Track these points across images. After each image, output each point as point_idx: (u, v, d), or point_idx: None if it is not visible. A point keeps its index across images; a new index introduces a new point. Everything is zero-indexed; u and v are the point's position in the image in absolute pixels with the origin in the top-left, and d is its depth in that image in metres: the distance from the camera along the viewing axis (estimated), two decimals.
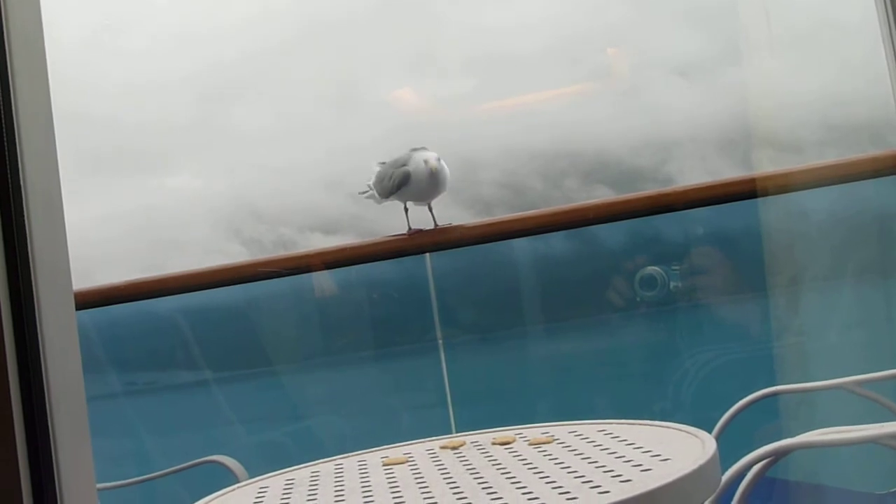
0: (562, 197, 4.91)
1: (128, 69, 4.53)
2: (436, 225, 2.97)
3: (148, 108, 4.65)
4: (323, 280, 3.40)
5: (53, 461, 1.17)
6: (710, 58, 4.56)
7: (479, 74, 4.86)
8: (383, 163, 3.01)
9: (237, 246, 4.84)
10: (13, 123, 1.16)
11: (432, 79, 4.79)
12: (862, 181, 2.76)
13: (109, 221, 4.31)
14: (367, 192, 3.05)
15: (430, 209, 2.97)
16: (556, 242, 3.57)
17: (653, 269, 3.36)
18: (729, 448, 1.84)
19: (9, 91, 1.15)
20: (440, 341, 3.31)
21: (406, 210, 2.99)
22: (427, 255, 3.22)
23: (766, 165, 3.13)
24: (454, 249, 3.07)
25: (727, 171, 4.31)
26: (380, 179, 2.98)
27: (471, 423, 3.22)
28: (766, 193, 2.76)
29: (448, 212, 2.99)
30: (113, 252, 4.18)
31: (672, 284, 3.35)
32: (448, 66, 4.87)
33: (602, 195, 4.57)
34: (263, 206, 4.92)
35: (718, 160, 4.46)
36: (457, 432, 2.97)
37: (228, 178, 4.96)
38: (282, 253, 3.19)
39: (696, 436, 1.47)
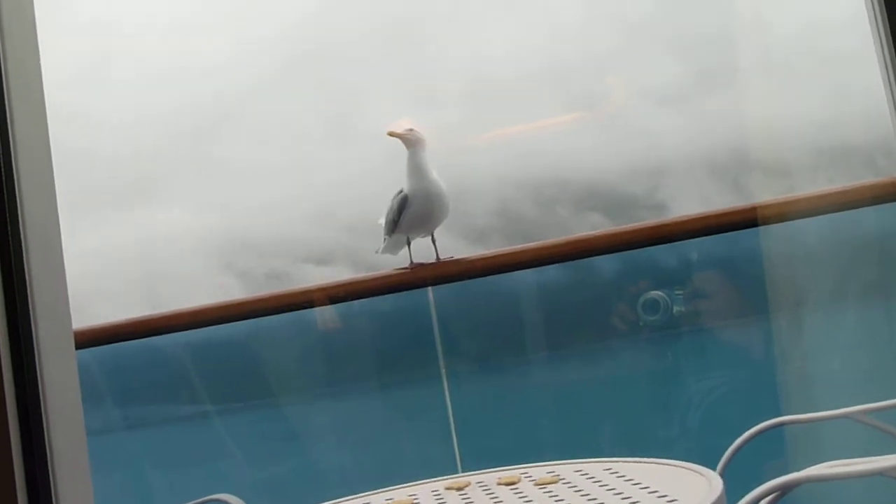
0: (556, 225, 4.93)
1: (118, 102, 4.55)
2: (438, 258, 2.98)
3: (138, 142, 4.68)
4: (326, 314, 3.40)
5: (53, 497, 1.17)
6: (698, 85, 4.59)
7: (468, 104, 4.88)
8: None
9: (231, 279, 4.84)
10: (11, 162, 1.16)
11: (422, 109, 4.81)
12: (863, 208, 2.77)
13: (101, 255, 4.31)
14: (380, 247, 3.06)
15: (433, 241, 2.98)
16: (558, 271, 3.57)
17: (655, 294, 3.36)
18: (735, 479, 1.84)
19: (7, 130, 1.16)
20: (443, 371, 3.30)
21: (409, 243, 3.00)
22: (429, 288, 3.22)
23: (757, 190, 3.14)
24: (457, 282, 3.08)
25: (719, 197, 4.33)
26: (386, 218, 2.99)
27: (476, 453, 3.21)
28: (767, 222, 2.77)
29: (442, 241, 3.00)
30: (105, 286, 4.18)
31: (675, 309, 3.35)
32: (438, 97, 4.89)
33: (596, 222, 4.59)
34: (256, 239, 4.93)
35: (710, 186, 4.48)
36: (462, 464, 2.96)
37: (220, 210, 4.97)
38: (277, 284, 3.20)
39: (701, 474, 1.46)
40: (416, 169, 2.90)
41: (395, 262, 3.08)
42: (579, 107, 4.73)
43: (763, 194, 3.04)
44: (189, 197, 5.06)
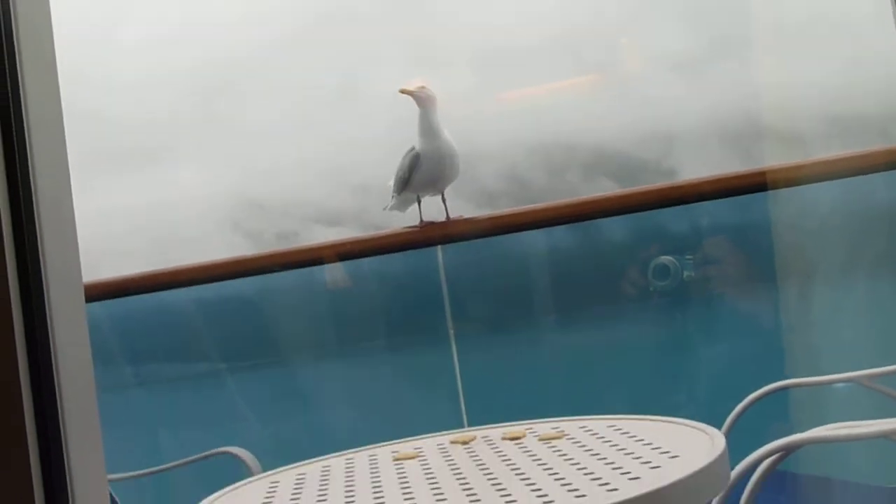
0: (566, 190, 4.92)
1: (127, 63, 4.55)
2: (448, 217, 2.98)
3: (147, 103, 4.67)
4: (335, 272, 3.41)
5: (64, 452, 1.18)
6: (710, 52, 4.55)
7: (477, 68, 4.86)
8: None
9: (240, 239, 4.86)
10: (22, 113, 1.17)
11: (432, 73, 4.79)
12: (877, 174, 2.75)
13: (107, 216, 4.33)
14: (389, 204, 3.06)
15: (444, 199, 2.97)
16: (568, 235, 3.57)
17: (666, 259, 3.35)
18: (740, 440, 1.85)
19: (18, 81, 1.16)
20: (451, 332, 3.32)
21: (419, 201, 2.99)
22: (438, 247, 3.23)
23: (767, 158, 3.12)
24: (465, 242, 3.08)
25: (729, 164, 4.31)
26: (396, 176, 2.98)
27: (483, 414, 3.23)
28: (777, 186, 2.75)
29: (451, 204, 3.00)
30: (112, 247, 4.20)
31: (685, 274, 3.35)
32: (448, 60, 4.87)
33: (605, 187, 4.58)
34: (265, 200, 4.94)
35: (720, 153, 4.46)
36: (469, 424, 2.98)
37: (230, 171, 4.98)
38: (286, 245, 3.21)
39: (705, 432, 1.47)
40: (429, 128, 2.89)
41: (403, 222, 3.08)
42: (589, 72, 4.70)
43: (773, 162, 3.02)
44: (198, 158, 5.07)
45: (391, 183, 3.02)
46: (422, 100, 2.88)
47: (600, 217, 3.06)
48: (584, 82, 4.55)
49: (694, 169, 4.65)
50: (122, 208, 4.52)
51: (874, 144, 2.86)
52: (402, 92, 2.87)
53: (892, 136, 3.06)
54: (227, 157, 4.97)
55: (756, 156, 4.06)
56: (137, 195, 4.69)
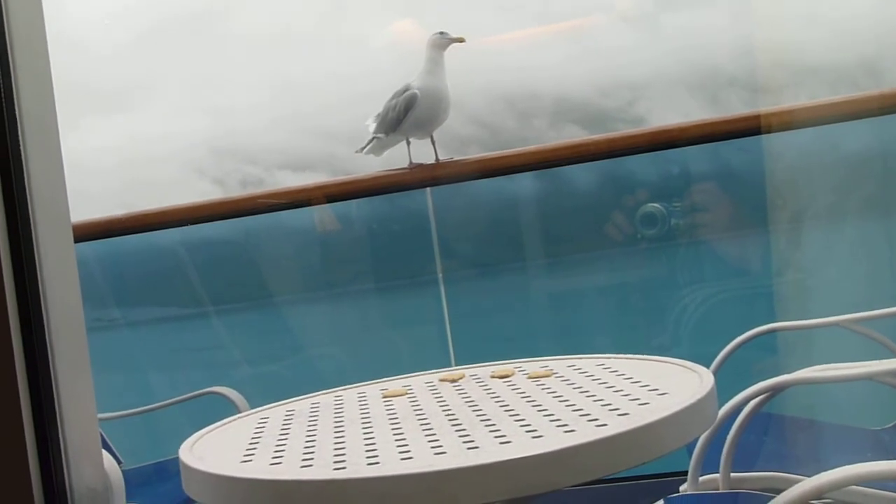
0: (534, 137, 4.91)
1: (92, 5, 4.48)
2: (437, 159, 2.96)
3: (115, 48, 4.62)
4: (324, 214, 3.40)
5: (54, 391, 1.18)
6: (674, 1, 4.52)
7: (442, 14, 4.82)
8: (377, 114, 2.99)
9: (207, 185, 4.85)
10: (9, 60, 1.16)
11: (400, 18, 4.74)
12: (868, 119, 2.74)
13: (76, 162, 4.30)
14: (366, 146, 3.01)
15: (433, 142, 2.95)
16: (558, 179, 3.55)
17: (653, 206, 3.35)
18: (726, 383, 1.86)
19: (3, 27, 1.15)
20: (440, 275, 3.31)
21: (408, 143, 2.97)
22: (428, 189, 3.21)
23: (735, 106, 3.10)
24: (455, 184, 3.06)
25: (695, 113, 4.30)
26: (383, 117, 2.93)
27: (470, 356, 3.24)
28: (769, 130, 2.74)
29: (423, 150, 2.97)
30: (84, 190, 4.18)
31: (673, 221, 3.36)
32: (416, 5, 4.82)
33: (572, 134, 4.58)
34: (233, 146, 4.92)
35: (689, 101, 4.44)
36: (456, 365, 3.00)
37: (198, 117, 4.95)
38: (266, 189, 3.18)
39: (693, 370, 1.47)
40: (438, 69, 2.88)
41: (374, 168, 3.05)
42: (552, 21, 4.67)
43: (740, 110, 3.01)
44: (167, 103, 5.03)
45: (369, 123, 2.98)
46: (446, 46, 2.89)
47: (593, 160, 3.04)
48: (545, 31, 4.51)
49: (662, 118, 4.64)
50: (89, 153, 4.49)
51: (844, 94, 2.85)
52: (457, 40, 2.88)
53: (862, 85, 3.05)
54: (196, 103, 4.94)
55: (723, 104, 4.06)
56: (104, 140, 4.66)
